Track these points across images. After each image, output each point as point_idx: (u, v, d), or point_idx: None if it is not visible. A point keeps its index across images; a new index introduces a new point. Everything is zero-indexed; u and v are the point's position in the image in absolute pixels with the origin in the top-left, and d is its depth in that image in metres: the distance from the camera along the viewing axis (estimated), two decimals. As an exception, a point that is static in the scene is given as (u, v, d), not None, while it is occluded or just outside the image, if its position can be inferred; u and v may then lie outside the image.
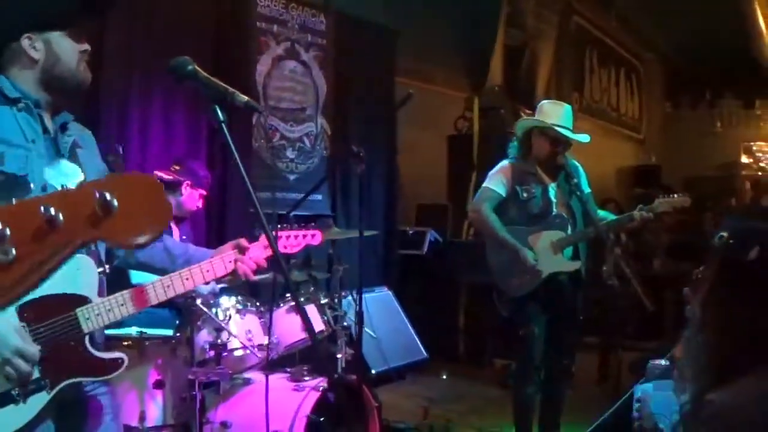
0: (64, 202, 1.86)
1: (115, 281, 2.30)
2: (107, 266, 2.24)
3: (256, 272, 2.42)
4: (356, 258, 6.42)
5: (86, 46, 2.20)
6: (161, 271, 2.39)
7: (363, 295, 5.30)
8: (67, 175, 2.15)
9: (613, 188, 12.22)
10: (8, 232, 1.77)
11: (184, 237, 4.45)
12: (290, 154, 6.26)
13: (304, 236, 2.57)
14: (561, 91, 10.27)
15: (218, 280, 2.45)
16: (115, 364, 2.10)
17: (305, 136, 6.40)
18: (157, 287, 2.19)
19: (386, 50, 7.21)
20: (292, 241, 2.65)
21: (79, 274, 2.04)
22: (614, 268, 6.78)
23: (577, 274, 4.30)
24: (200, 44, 5.25)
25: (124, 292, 2.13)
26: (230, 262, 2.38)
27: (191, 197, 4.52)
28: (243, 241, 2.44)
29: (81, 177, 2.18)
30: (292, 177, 6.26)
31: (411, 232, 7.29)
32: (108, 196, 1.87)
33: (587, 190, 4.43)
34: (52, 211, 1.76)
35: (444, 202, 7.94)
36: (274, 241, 1.93)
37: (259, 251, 2.44)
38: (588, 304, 5.08)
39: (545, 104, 4.39)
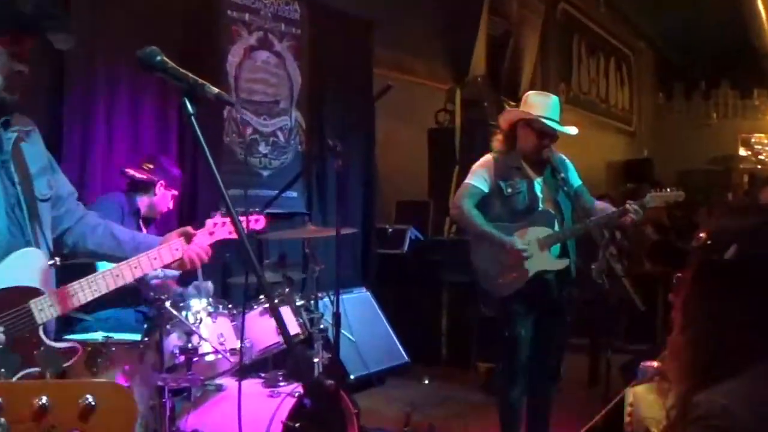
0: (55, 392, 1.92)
1: (80, 271, 2.42)
2: (57, 258, 2.40)
3: (201, 259, 2.67)
4: (333, 257, 6.51)
5: (22, 67, 2.31)
6: (111, 258, 2.64)
7: (340, 297, 5.35)
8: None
9: (603, 183, 12.29)
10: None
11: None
12: (263, 149, 6.28)
13: (248, 221, 2.65)
14: (547, 82, 10.36)
15: (167, 267, 2.67)
16: (71, 351, 2.27)
17: (279, 130, 6.42)
18: (84, 286, 2.39)
19: (364, 40, 7.25)
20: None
21: (29, 267, 2.19)
22: (605, 266, 6.85)
23: (565, 273, 4.33)
24: (167, 34, 5.25)
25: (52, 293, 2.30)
26: (176, 249, 2.62)
27: (164, 198, 4.55)
28: (189, 229, 2.66)
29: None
30: (265, 173, 6.29)
31: (390, 230, 7.31)
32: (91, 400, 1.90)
33: (578, 182, 4.48)
34: (45, 400, 1.82)
35: (425, 198, 7.98)
36: (240, 225, 2.00)
37: (204, 238, 2.68)
38: (577, 304, 5.14)
39: (531, 95, 4.44)
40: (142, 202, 4.51)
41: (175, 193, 4.59)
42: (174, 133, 5.45)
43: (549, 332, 4.36)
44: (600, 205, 4.53)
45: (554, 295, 4.33)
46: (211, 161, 2.07)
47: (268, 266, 4.67)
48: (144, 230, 4.46)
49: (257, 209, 3.18)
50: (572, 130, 4.42)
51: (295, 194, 6.46)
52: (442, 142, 8.06)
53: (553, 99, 4.40)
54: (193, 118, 2.06)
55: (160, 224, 4.69)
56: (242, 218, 2.70)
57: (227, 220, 2.74)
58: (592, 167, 12.13)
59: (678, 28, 13.47)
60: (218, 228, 2.79)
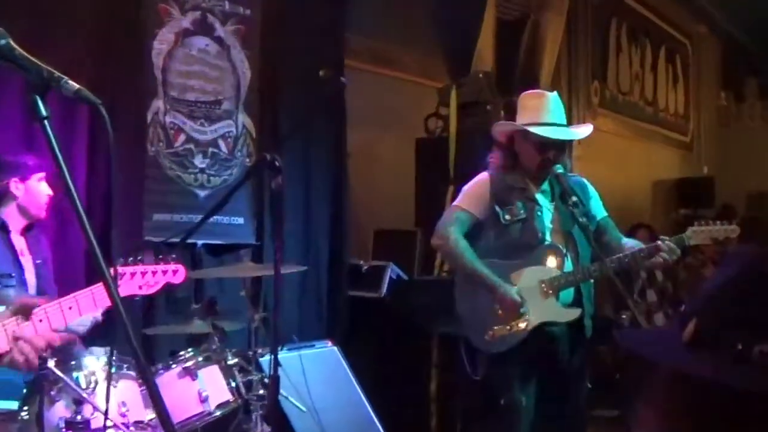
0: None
1: None
2: None
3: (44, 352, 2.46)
4: (288, 302, 6.48)
5: None
6: None
7: (299, 352, 5.31)
8: None
9: (647, 209, 12.34)
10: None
11: (38, 261, 4.49)
12: (200, 162, 6.27)
13: (164, 272, 2.61)
14: (575, 80, 10.39)
15: None
16: None
17: (221, 138, 6.41)
18: None
19: (333, 24, 7.25)
20: (149, 279, 2.68)
21: None
22: (637, 316, 6.87)
23: (578, 326, 4.37)
24: (70, 10, 5.21)
25: None
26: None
27: (29, 192, 4.58)
28: (28, 301, 2.45)
29: None
30: (202, 193, 6.27)
31: (365, 267, 7.30)
32: None
33: (602, 214, 4.56)
34: None
35: (410, 227, 7.96)
36: (114, 286, 1.92)
37: (57, 316, 2.43)
38: (602, 367, 5.13)
39: (522, 98, 4.59)
40: (6, 213, 4.55)
41: (42, 175, 4.60)
42: (81, 145, 5.39)
43: (560, 402, 4.37)
44: (629, 243, 4.56)
45: (564, 354, 4.34)
46: (70, 182, 2.04)
47: (194, 313, 4.68)
48: (22, 239, 4.55)
49: (174, 257, 3.08)
50: (581, 132, 4.58)
51: (240, 220, 6.45)
52: (432, 156, 8.01)
53: (549, 98, 4.50)
54: (46, 122, 2.04)
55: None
56: (158, 267, 2.68)
57: (129, 270, 2.70)
58: (634, 189, 12.19)
59: (752, 6, 13.44)
60: (84, 300, 2.61)
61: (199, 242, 5.99)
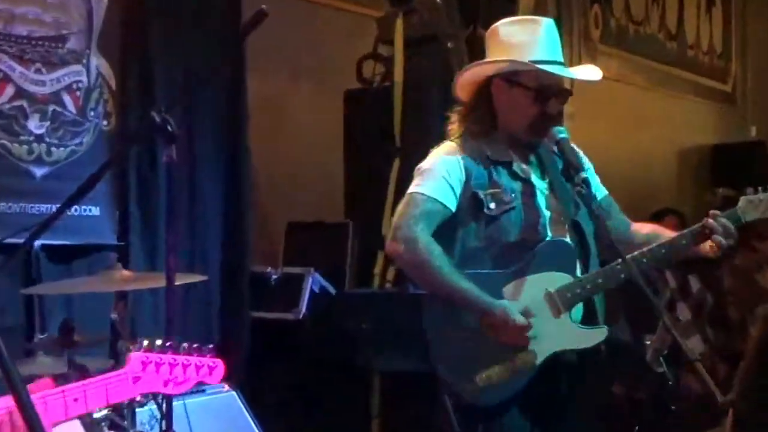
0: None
1: None
2: None
3: None
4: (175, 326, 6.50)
5: None
6: None
7: (184, 400, 5.38)
8: None
9: (670, 189, 12.47)
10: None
11: None
12: (36, 126, 6.28)
13: (198, 367, 2.74)
14: (566, 4, 10.45)
15: None
16: None
17: (66, 91, 6.43)
18: None
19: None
20: (179, 373, 2.84)
21: None
22: (667, 343, 6.95)
23: (592, 353, 4.42)
24: None
25: None
26: None
27: None
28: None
29: None
30: (39, 172, 6.28)
31: (275, 276, 7.36)
32: None
33: (602, 193, 4.65)
34: None
35: (338, 217, 8.03)
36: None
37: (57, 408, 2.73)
38: (619, 406, 5.27)
39: (502, 28, 4.54)
40: None
41: None
42: None
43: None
44: (644, 229, 4.66)
45: (582, 395, 4.46)
46: None
47: (39, 346, 4.68)
48: None
49: (210, 347, 3.19)
50: (591, 73, 4.60)
51: (96, 210, 6.49)
52: (369, 115, 8.06)
53: (542, 26, 4.49)
54: None
55: None
56: (186, 360, 2.81)
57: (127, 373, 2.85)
58: (651, 160, 12.25)
59: None
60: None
61: (36, 243, 5.93)
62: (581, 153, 4.59)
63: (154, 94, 6.70)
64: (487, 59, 4.48)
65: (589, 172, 4.54)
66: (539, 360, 4.24)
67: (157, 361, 2.85)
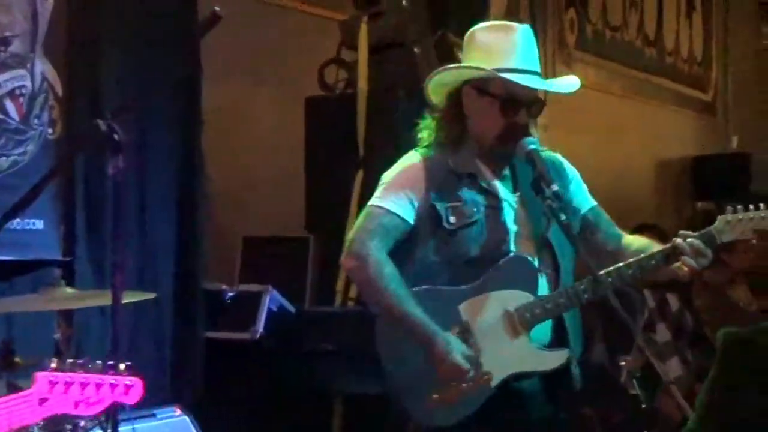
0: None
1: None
2: None
3: None
4: (122, 347, 6.51)
5: None
6: None
7: (132, 426, 5.40)
8: None
9: (648, 203, 12.54)
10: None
11: None
12: (-25, 134, 6.30)
13: (113, 387, 2.75)
14: (539, 8, 10.49)
15: None
16: None
17: (8, 97, 6.41)
18: None
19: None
20: (91, 393, 2.84)
21: None
22: (640, 363, 7.01)
23: (561, 377, 4.44)
24: None
25: None
26: None
27: None
28: None
29: None
30: (-20, 181, 6.28)
31: (231, 294, 7.37)
32: None
33: (588, 204, 4.64)
34: None
35: (299, 232, 8.05)
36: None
37: None
38: (597, 428, 5.30)
39: (479, 33, 4.57)
40: None
41: None
42: None
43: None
44: (637, 243, 4.60)
45: (541, 421, 4.45)
46: None
47: None
48: None
49: (129, 364, 3.14)
50: (568, 84, 4.60)
51: (40, 224, 6.49)
52: (332, 123, 8.08)
53: (518, 33, 4.51)
54: None
55: None
56: (99, 379, 2.80)
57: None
58: (628, 173, 12.24)
59: None
60: None
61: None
62: (566, 164, 4.66)
63: (102, 101, 6.65)
64: (454, 65, 4.52)
65: (574, 182, 4.61)
66: (494, 382, 4.28)
67: (67, 380, 2.83)
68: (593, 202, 4.64)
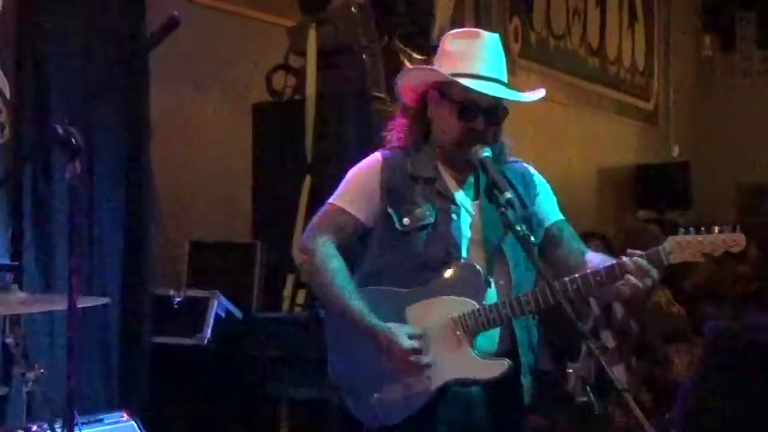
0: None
1: None
2: None
3: None
4: (59, 356, 6.47)
5: None
6: None
7: (80, 431, 5.39)
8: None
9: (590, 211, 12.63)
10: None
11: None
12: None
13: None
14: (484, 16, 10.52)
15: None
16: None
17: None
18: None
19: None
20: None
21: None
22: (592, 371, 7.03)
23: (508, 387, 4.45)
24: None
25: None
26: None
27: None
28: None
29: None
30: None
31: (178, 299, 7.32)
32: None
33: (555, 216, 4.63)
34: None
35: (245, 237, 8.07)
36: None
37: None
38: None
39: (451, 37, 4.63)
40: None
41: None
42: None
43: None
44: (596, 260, 4.53)
45: (484, 422, 4.47)
46: None
47: None
48: None
49: None
50: (532, 94, 4.62)
51: (-11, 230, 6.47)
52: (279, 130, 8.07)
53: (484, 41, 4.55)
54: None
55: None
56: None
57: None
58: (569, 180, 12.16)
59: None
60: None
61: None
62: (536, 176, 4.70)
63: (50, 105, 6.65)
64: (419, 66, 4.58)
65: (543, 194, 4.63)
66: (434, 386, 4.31)
67: None
68: (560, 216, 4.62)
